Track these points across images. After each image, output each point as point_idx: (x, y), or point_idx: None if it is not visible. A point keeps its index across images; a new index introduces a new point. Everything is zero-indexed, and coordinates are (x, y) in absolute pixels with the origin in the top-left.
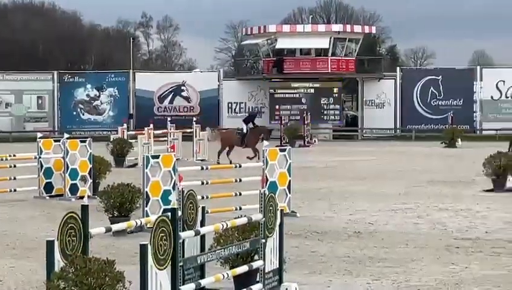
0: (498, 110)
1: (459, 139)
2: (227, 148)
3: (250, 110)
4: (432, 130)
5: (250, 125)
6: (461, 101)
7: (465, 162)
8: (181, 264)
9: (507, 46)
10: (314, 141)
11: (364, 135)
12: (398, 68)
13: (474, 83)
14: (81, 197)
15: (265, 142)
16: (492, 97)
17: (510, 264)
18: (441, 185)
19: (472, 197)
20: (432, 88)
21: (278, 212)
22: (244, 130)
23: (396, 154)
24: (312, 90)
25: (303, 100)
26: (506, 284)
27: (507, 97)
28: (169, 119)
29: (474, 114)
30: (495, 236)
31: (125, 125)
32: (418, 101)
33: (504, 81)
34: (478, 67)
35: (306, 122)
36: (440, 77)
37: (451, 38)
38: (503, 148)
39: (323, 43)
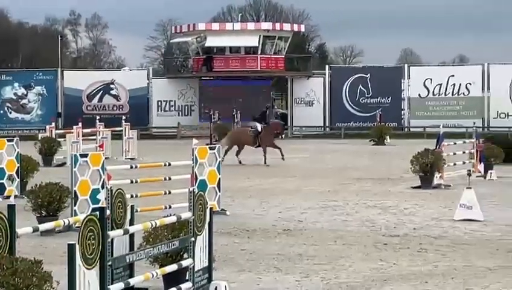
0: (425, 108)
1: (388, 137)
2: (236, 148)
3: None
4: (361, 127)
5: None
6: (389, 99)
7: (394, 159)
8: (110, 263)
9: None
10: None
11: (293, 133)
12: (327, 66)
13: (402, 81)
14: (8, 197)
15: (195, 141)
16: (419, 95)
17: (437, 260)
18: (370, 182)
19: (400, 194)
20: (360, 86)
21: (208, 211)
22: (259, 129)
23: (326, 152)
24: (242, 89)
25: (233, 98)
26: (433, 280)
27: (434, 95)
28: (98, 117)
29: (402, 112)
30: (422, 232)
31: (53, 124)
32: (346, 99)
33: (431, 79)
34: (406, 66)
35: (236, 120)
36: (368, 75)
37: (379, 37)
38: (430, 145)
39: (253, 41)
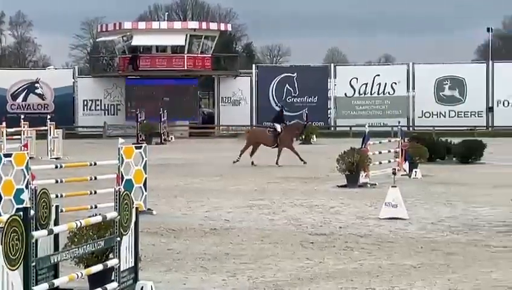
0: (351, 107)
1: (314, 136)
2: (251, 147)
3: (280, 108)
4: None
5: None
6: (316, 98)
7: (320, 158)
8: (34, 264)
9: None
10: (171, 138)
11: (221, 132)
12: (254, 66)
13: (329, 80)
14: None
15: (121, 140)
16: (346, 94)
17: (362, 258)
18: (296, 181)
19: (326, 193)
20: (287, 85)
21: (133, 210)
22: (278, 129)
23: None
24: (168, 88)
25: (159, 97)
26: (358, 278)
27: (360, 94)
28: (22, 117)
29: (329, 111)
30: (348, 231)
31: None
32: (273, 98)
33: (357, 79)
34: (332, 65)
35: (162, 119)
36: (295, 74)
37: (306, 36)
38: (356, 144)
39: (179, 40)
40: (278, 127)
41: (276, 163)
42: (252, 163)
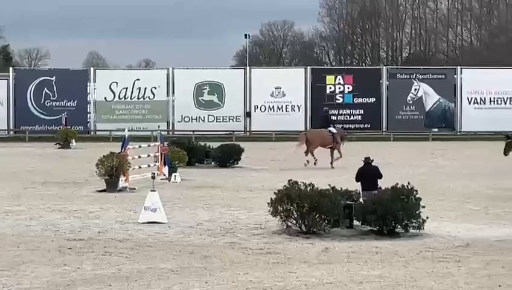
0: (112, 111)
1: (73, 140)
2: (305, 146)
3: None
4: (46, 131)
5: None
6: (75, 102)
7: (80, 163)
8: None
9: (121, 48)
10: None
11: None
12: (11, 68)
13: (88, 84)
14: None
15: None
16: (105, 98)
17: (121, 263)
18: (55, 186)
19: (85, 198)
20: (45, 89)
21: None
22: (334, 131)
23: (10, 156)
24: None
25: None
26: (117, 283)
27: (120, 98)
28: None
29: (89, 115)
30: (107, 236)
31: None
32: (31, 102)
33: (117, 83)
34: (92, 69)
35: None
36: (54, 77)
37: (67, 39)
38: (116, 148)
39: None
40: (333, 129)
41: (331, 164)
42: (308, 162)
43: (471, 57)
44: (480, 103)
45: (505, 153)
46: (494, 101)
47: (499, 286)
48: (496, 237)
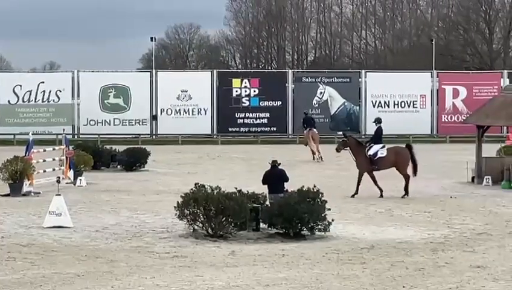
0: (15, 115)
1: None
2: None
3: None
4: None
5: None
6: None
7: None
8: None
9: (25, 50)
10: None
11: None
12: None
13: None
14: None
15: None
16: (9, 102)
17: (26, 269)
18: None
19: None
20: None
21: None
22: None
23: None
24: None
25: None
26: (20, 288)
27: (24, 102)
28: None
29: None
30: (11, 241)
31: None
32: None
33: (21, 86)
34: None
35: None
36: None
37: None
38: (20, 152)
39: None
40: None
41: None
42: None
43: (375, 60)
44: (384, 107)
45: (337, 150)
46: (397, 105)
47: (403, 286)
48: (400, 239)
